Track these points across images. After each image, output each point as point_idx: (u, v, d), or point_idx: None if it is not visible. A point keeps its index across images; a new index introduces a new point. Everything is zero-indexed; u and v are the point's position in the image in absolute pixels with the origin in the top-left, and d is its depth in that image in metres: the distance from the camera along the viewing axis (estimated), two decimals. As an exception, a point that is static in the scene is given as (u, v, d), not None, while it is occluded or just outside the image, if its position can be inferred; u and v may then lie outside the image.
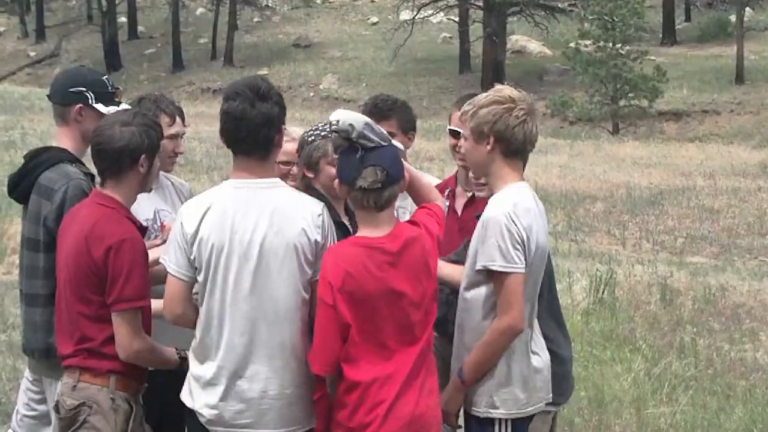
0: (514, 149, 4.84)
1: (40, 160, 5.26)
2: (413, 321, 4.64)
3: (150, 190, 5.15)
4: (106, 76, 5.48)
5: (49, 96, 5.44)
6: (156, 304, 4.87)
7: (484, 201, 5.39)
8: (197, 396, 4.65)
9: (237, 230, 4.51)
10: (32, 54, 67.39)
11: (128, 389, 4.83)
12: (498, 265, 4.68)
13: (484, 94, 4.91)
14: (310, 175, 5.36)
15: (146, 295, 4.78)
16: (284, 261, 4.54)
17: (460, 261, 5.11)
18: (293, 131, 5.95)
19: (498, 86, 4.97)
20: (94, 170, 5.31)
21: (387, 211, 4.64)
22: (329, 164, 5.15)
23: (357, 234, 4.67)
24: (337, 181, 4.67)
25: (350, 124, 4.55)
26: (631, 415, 8.69)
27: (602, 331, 11.48)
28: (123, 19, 67.57)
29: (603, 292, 12.94)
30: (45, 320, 5.15)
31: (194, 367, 4.68)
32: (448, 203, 5.70)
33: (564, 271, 13.64)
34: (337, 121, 4.58)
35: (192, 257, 4.55)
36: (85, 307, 4.76)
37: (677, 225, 20.71)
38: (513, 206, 4.73)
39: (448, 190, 5.77)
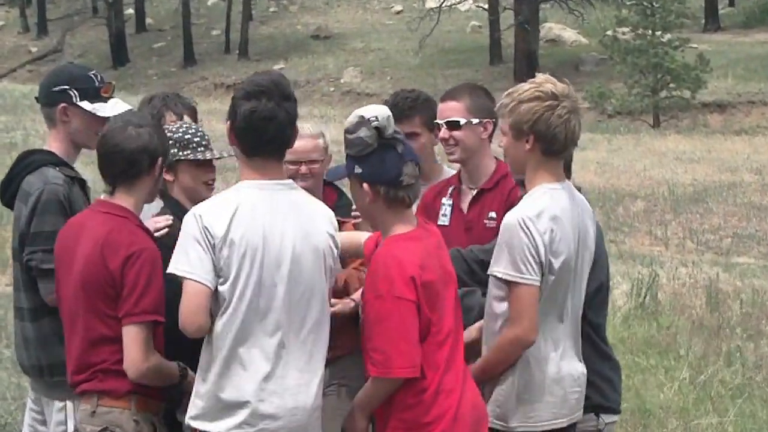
0: (556, 149, 4.85)
1: (25, 163, 5.27)
2: (458, 307, 4.75)
3: (152, 200, 5.11)
4: (93, 71, 5.43)
5: (36, 98, 5.43)
6: None
7: (491, 198, 5.47)
8: (219, 416, 4.53)
9: (268, 233, 4.50)
10: (34, 50, 67.55)
11: (150, 409, 4.81)
12: (502, 272, 4.73)
13: (525, 86, 4.88)
14: (170, 178, 5.32)
15: (162, 311, 4.70)
16: (313, 266, 4.56)
17: (486, 260, 5.05)
18: (306, 128, 5.92)
19: (539, 77, 4.93)
20: (85, 175, 5.37)
21: (412, 206, 4.73)
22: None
23: (392, 234, 4.64)
24: (366, 184, 4.63)
25: (387, 118, 4.56)
26: (677, 426, 8.70)
27: (644, 337, 11.51)
28: (130, 11, 67.64)
29: (645, 296, 12.96)
30: (35, 336, 5.16)
31: (209, 384, 4.55)
32: (452, 201, 5.72)
33: (603, 274, 13.62)
34: (376, 117, 4.54)
35: (220, 262, 4.46)
36: (102, 325, 4.71)
37: (723, 224, 20.64)
38: (535, 212, 4.75)
39: (452, 188, 5.77)
